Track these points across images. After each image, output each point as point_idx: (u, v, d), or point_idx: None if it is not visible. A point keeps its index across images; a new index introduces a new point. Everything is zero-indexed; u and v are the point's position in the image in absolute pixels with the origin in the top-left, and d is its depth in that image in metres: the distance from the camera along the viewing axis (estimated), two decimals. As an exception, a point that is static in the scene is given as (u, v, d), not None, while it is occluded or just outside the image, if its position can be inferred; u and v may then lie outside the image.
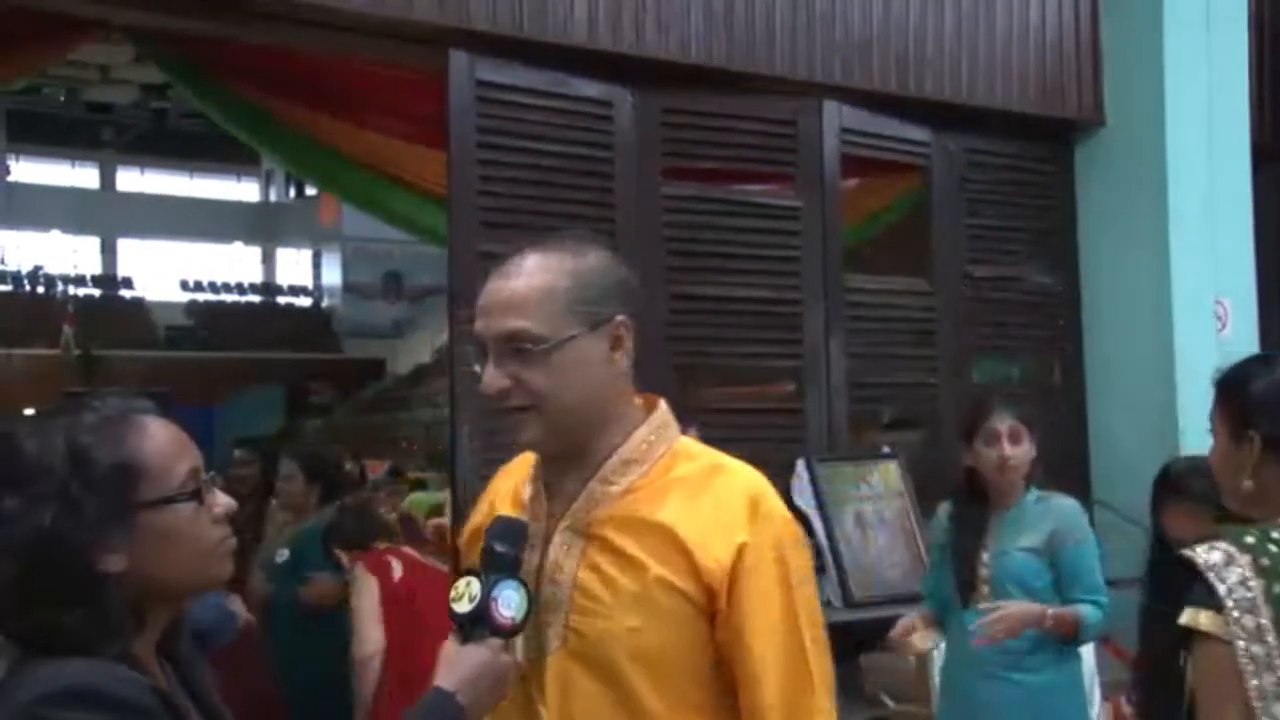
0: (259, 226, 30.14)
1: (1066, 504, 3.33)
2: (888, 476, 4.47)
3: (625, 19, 4.13)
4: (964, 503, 3.38)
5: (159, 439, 1.42)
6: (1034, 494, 3.32)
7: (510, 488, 1.76)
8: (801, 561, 1.64)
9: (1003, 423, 3.27)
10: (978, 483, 3.34)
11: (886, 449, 4.67)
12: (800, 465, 4.26)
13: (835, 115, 4.60)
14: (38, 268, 27.03)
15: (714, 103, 4.41)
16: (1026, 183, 5.21)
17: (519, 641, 1.62)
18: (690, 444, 1.71)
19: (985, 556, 3.26)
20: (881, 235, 5.92)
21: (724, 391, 5.10)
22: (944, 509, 3.49)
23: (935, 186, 4.98)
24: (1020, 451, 3.27)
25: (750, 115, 4.49)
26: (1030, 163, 5.22)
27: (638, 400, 1.71)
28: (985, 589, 3.24)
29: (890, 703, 4.05)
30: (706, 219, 4.38)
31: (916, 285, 4.98)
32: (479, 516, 1.78)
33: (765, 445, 4.20)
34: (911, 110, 4.84)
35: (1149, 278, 4.95)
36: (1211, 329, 4.93)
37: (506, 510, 1.72)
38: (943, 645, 3.52)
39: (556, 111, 4.07)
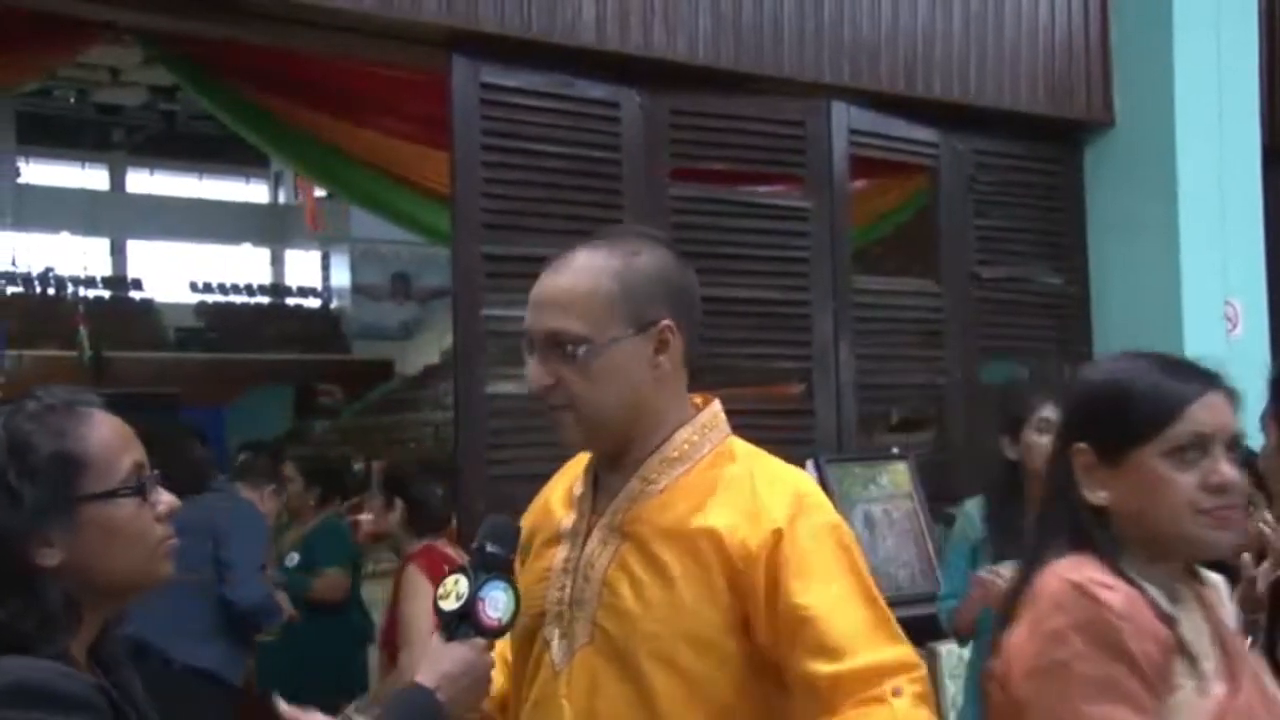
0: (268, 228, 30.22)
1: None
2: (897, 477, 4.46)
3: (633, 20, 4.13)
4: (1001, 502, 3.24)
5: (102, 431, 1.38)
6: None
7: (564, 488, 1.75)
8: (859, 558, 1.59)
9: (1054, 412, 3.11)
10: (1017, 479, 3.21)
11: (895, 450, 4.65)
12: (809, 466, 4.25)
13: (843, 116, 4.59)
14: (48, 269, 27.13)
15: (722, 104, 4.40)
16: (1035, 183, 5.19)
17: (555, 641, 1.62)
18: (738, 445, 1.69)
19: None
20: (890, 236, 5.91)
21: (732, 393, 5.07)
22: (973, 505, 3.37)
23: (943, 187, 4.96)
24: None
25: (758, 116, 4.48)
26: (1039, 163, 5.21)
27: (697, 400, 1.70)
28: None
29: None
30: (714, 220, 4.38)
31: (925, 286, 4.97)
32: (531, 517, 1.77)
33: (774, 446, 4.13)
34: (919, 111, 4.83)
35: (1159, 278, 4.93)
36: (1222, 330, 4.91)
37: (559, 511, 1.72)
38: (966, 651, 3.45)
39: (563, 113, 4.06)
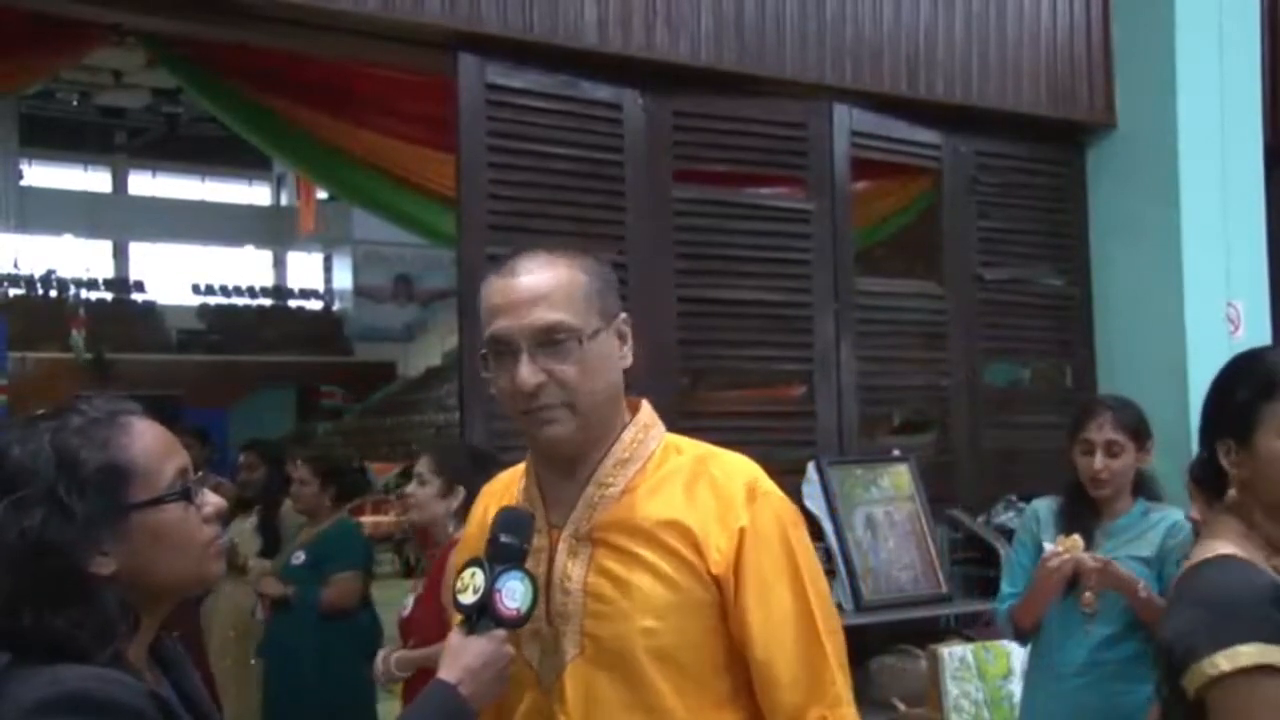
0: (270, 230, 30.23)
1: (1177, 516, 3.16)
2: (898, 479, 4.46)
3: (636, 21, 4.13)
4: (1072, 504, 3.26)
5: (146, 439, 1.41)
6: (1141, 506, 3.20)
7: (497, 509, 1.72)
8: (804, 540, 1.65)
9: (1100, 433, 3.16)
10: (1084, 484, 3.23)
11: (897, 452, 4.65)
12: (811, 468, 4.26)
13: (845, 118, 4.60)
14: (50, 271, 27.16)
15: (724, 105, 4.41)
16: (1038, 185, 5.19)
17: (537, 658, 1.63)
18: (677, 439, 1.72)
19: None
20: (892, 238, 5.91)
21: (734, 395, 5.09)
22: (1042, 505, 3.37)
23: (946, 189, 4.97)
24: (1118, 465, 3.15)
25: (761, 118, 4.49)
26: (1041, 165, 5.21)
27: (629, 401, 1.73)
28: (1089, 595, 3.13)
29: (901, 706, 4.03)
30: (717, 222, 4.38)
31: (927, 288, 4.97)
32: (472, 543, 1.75)
33: (776, 448, 4.19)
34: (922, 113, 4.83)
35: (1161, 280, 4.93)
36: (1224, 332, 4.91)
37: None
38: (1025, 651, 3.46)
39: (567, 115, 4.07)
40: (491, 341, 1.61)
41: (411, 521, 3.96)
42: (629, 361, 1.67)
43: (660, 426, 1.72)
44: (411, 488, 3.78)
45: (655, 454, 1.67)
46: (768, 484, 1.65)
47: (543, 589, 1.62)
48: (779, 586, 1.58)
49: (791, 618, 1.58)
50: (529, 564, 1.63)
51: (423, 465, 3.73)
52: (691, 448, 1.70)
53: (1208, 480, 1.84)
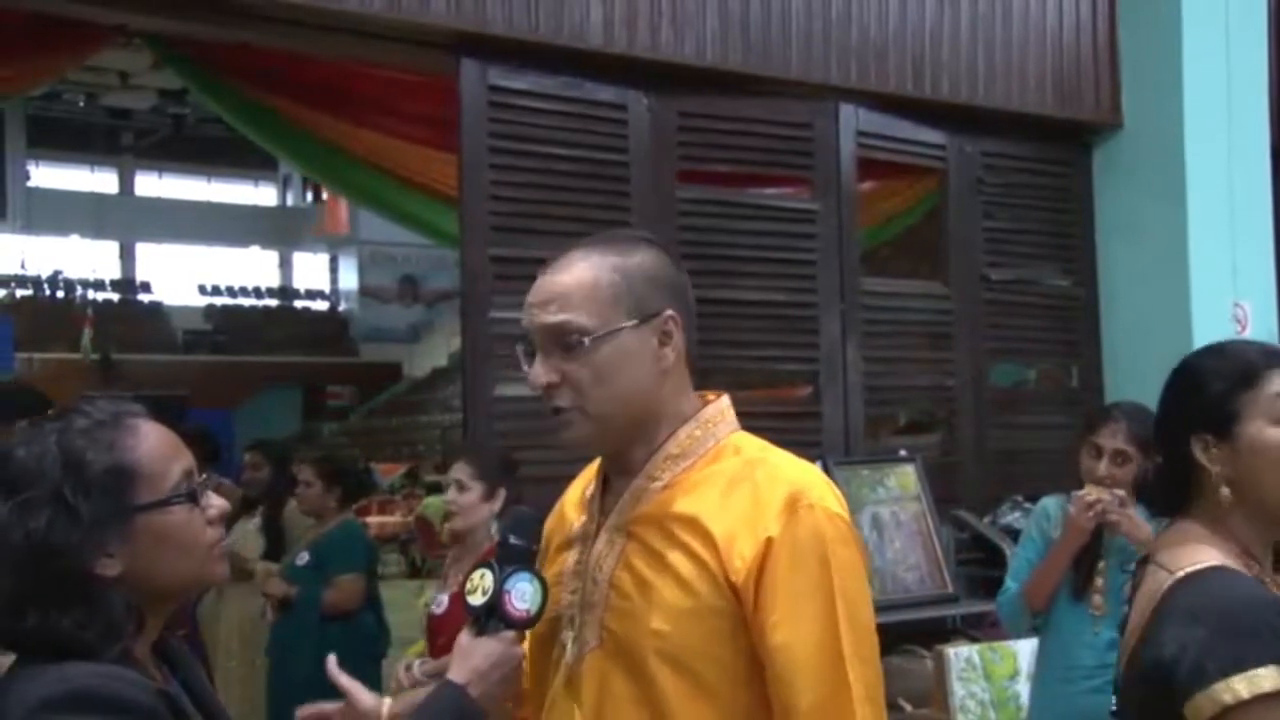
0: (276, 230, 30.27)
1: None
2: (904, 480, 4.46)
3: (641, 22, 4.13)
4: None
5: (152, 441, 1.41)
6: (1143, 513, 3.16)
7: (579, 491, 1.74)
8: (848, 562, 1.54)
9: (1111, 440, 3.15)
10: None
11: (903, 452, 4.65)
12: (817, 468, 4.25)
13: (851, 118, 4.59)
14: (57, 272, 27.22)
15: (729, 106, 4.40)
16: (1043, 185, 5.18)
17: (569, 645, 1.62)
18: (743, 439, 1.67)
19: (1100, 565, 3.18)
20: (898, 238, 5.90)
21: (740, 395, 5.08)
22: (1052, 503, 3.36)
23: (951, 189, 4.96)
24: (1121, 474, 3.14)
25: (766, 118, 4.48)
26: (1047, 165, 5.20)
27: (709, 396, 1.69)
28: (1099, 599, 3.15)
29: (907, 707, 4.03)
30: (722, 222, 4.38)
31: (933, 288, 4.96)
32: (549, 522, 1.75)
33: (782, 448, 4.18)
34: (927, 113, 4.82)
35: (1167, 281, 4.92)
36: (1231, 332, 4.89)
37: (572, 514, 1.71)
38: (1032, 650, 3.46)
39: (571, 116, 4.07)
40: (522, 337, 1.63)
41: (454, 530, 3.79)
42: (669, 362, 1.60)
43: (729, 424, 1.67)
44: (451, 495, 3.59)
45: (709, 452, 1.62)
46: (818, 495, 1.55)
47: (579, 575, 1.62)
48: (807, 607, 1.50)
49: (816, 641, 1.49)
50: (576, 547, 1.64)
51: (460, 471, 3.56)
52: (753, 450, 1.64)
53: (1164, 491, 1.74)
